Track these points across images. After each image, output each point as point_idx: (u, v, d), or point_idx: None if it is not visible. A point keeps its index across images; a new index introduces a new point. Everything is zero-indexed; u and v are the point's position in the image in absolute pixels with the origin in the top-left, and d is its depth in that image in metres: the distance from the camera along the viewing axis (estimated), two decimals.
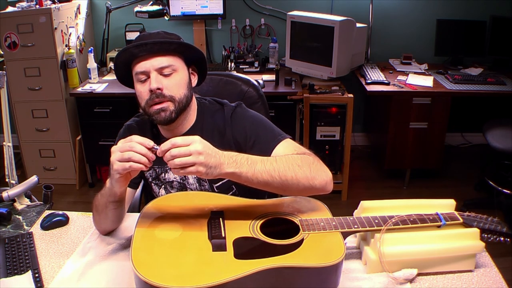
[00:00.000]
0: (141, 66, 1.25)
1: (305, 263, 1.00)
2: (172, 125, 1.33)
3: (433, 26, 3.31)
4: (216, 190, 1.39)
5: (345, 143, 2.97)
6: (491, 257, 1.19)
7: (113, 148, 1.06)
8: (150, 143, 1.05)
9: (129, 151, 1.03)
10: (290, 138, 1.31)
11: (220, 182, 1.38)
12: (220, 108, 1.40)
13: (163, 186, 1.42)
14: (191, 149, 1.00)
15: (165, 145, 1.01)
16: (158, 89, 1.24)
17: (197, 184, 1.39)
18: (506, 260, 2.13)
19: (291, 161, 1.15)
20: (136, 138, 1.05)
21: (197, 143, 1.02)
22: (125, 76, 1.33)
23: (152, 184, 1.43)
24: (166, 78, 1.26)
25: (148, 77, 1.25)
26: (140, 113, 1.45)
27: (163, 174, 1.40)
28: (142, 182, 1.67)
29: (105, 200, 1.19)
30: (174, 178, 1.39)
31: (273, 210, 1.19)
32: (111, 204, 1.19)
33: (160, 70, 1.25)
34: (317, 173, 1.16)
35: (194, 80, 1.38)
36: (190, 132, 1.37)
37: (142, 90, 1.27)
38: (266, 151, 1.27)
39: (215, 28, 3.44)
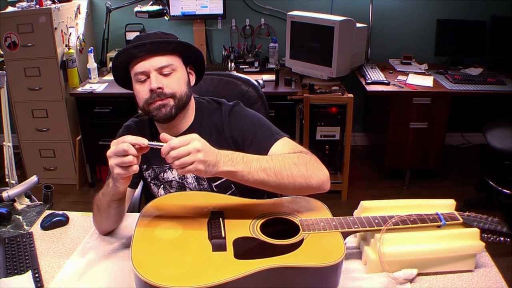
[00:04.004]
0: (140, 66, 1.25)
1: (305, 263, 1.00)
2: (171, 124, 1.33)
3: (433, 26, 3.31)
4: (215, 189, 1.39)
5: (345, 143, 2.97)
6: (491, 257, 1.19)
7: (109, 153, 1.05)
8: (144, 141, 1.05)
9: (128, 155, 1.03)
10: (288, 137, 1.31)
11: (219, 181, 1.38)
12: (218, 107, 1.41)
13: (162, 186, 1.42)
14: (189, 148, 1.00)
15: (164, 149, 1.02)
16: (159, 88, 1.24)
17: (196, 183, 1.39)
18: (506, 260, 2.13)
19: (287, 159, 1.15)
20: (128, 138, 1.05)
21: (195, 141, 1.02)
22: (123, 77, 1.33)
23: (151, 184, 1.43)
24: (166, 78, 1.27)
25: (148, 77, 1.26)
26: (138, 113, 1.45)
27: (162, 174, 1.40)
28: (142, 182, 1.67)
29: (108, 200, 1.19)
30: (173, 177, 1.39)
31: (273, 210, 1.19)
32: (114, 203, 1.20)
33: (159, 70, 1.26)
34: (314, 171, 1.16)
35: (192, 80, 1.38)
36: (188, 131, 1.37)
37: (141, 90, 1.27)
38: (263, 150, 1.27)
39: (215, 28, 3.44)
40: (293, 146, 1.27)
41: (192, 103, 1.39)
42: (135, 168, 1.05)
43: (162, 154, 1.02)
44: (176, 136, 1.34)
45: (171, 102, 1.27)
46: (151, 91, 1.25)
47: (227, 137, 1.35)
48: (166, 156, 1.01)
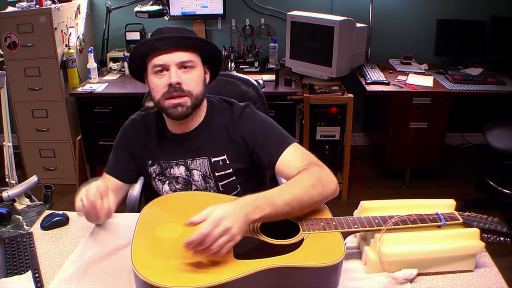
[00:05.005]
0: (160, 59, 1.25)
1: (305, 263, 1.00)
2: (183, 121, 1.34)
3: (433, 26, 3.31)
4: (221, 189, 1.39)
5: (345, 143, 2.97)
6: (491, 257, 1.18)
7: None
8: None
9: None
10: (297, 142, 1.32)
11: (226, 181, 1.39)
12: (229, 107, 1.41)
13: (167, 181, 1.42)
14: (220, 231, 0.96)
15: (197, 239, 0.95)
16: (178, 83, 1.25)
17: (202, 181, 1.39)
18: (506, 260, 2.13)
19: (304, 183, 1.13)
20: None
21: (223, 220, 0.97)
22: (138, 70, 1.33)
23: (156, 180, 1.43)
24: (185, 73, 1.27)
25: (167, 70, 1.26)
26: (144, 107, 1.45)
27: (169, 170, 1.40)
28: (142, 181, 1.67)
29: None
30: (180, 174, 1.40)
31: None
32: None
33: (180, 65, 1.26)
34: (328, 185, 1.16)
35: (207, 79, 1.39)
36: (198, 129, 1.38)
37: (158, 83, 1.27)
38: (274, 154, 1.28)
39: (215, 28, 3.44)
40: (303, 153, 1.28)
41: (204, 101, 1.39)
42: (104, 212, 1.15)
43: (188, 243, 0.96)
44: (186, 133, 1.36)
45: (188, 102, 1.28)
46: (170, 85, 1.25)
47: (237, 138, 1.35)
48: (199, 246, 0.96)
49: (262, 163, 1.34)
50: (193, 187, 1.41)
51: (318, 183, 1.14)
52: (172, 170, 1.40)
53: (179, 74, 1.26)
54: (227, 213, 0.99)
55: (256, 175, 1.44)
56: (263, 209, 1.04)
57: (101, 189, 1.16)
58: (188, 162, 1.38)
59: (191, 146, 1.38)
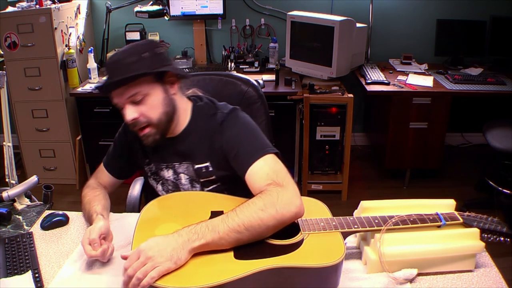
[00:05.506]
0: (114, 98, 1.28)
1: (305, 263, 1.00)
2: None
3: (433, 26, 3.31)
4: None
5: (345, 143, 2.97)
6: (491, 257, 1.19)
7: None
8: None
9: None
10: (275, 153, 1.25)
11: (211, 187, 1.38)
12: (214, 113, 1.36)
13: (160, 181, 1.43)
14: (142, 260, 0.98)
15: (123, 276, 1.00)
16: (134, 119, 1.26)
17: (190, 185, 1.39)
18: (506, 260, 2.13)
19: (252, 207, 1.08)
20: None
21: (143, 251, 1.00)
22: None
23: (151, 179, 1.45)
24: (140, 105, 1.26)
25: (124, 107, 1.27)
26: None
27: (160, 171, 1.41)
28: (143, 181, 1.67)
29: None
30: (169, 177, 1.40)
31: None
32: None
33: (130, 99, 1.25)
34: (284, 207, 1.08)
35: (175, 88, 1.33)
36: (184, 134, 1.37)
37: (124, 117, 1.29)
38: (245, 165, 1.23)
39: (215, 28, 3.44)
40: (271, 169, 1.20)
41: (184, 108, 1.37)
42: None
43: (124, 284, 1.00)
44: (172, 138, 1.37)
45: (152, 130, 1.29)
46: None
47: (217, 146, 1.32)
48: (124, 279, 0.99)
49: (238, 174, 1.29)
50: (181, 190, 1.40)
51: (271, 207, 1.07)
52: (162, 172, 1.41)
53: (132, 110, 1.26)
54: (150, 245, 1.01)
55: (244, 182, 1.32)
56: (203, 236, 1.02)
57: (103, 234, 1.18)
58: (176, 165, 1.39)
59: (177, 151, 1.37)
